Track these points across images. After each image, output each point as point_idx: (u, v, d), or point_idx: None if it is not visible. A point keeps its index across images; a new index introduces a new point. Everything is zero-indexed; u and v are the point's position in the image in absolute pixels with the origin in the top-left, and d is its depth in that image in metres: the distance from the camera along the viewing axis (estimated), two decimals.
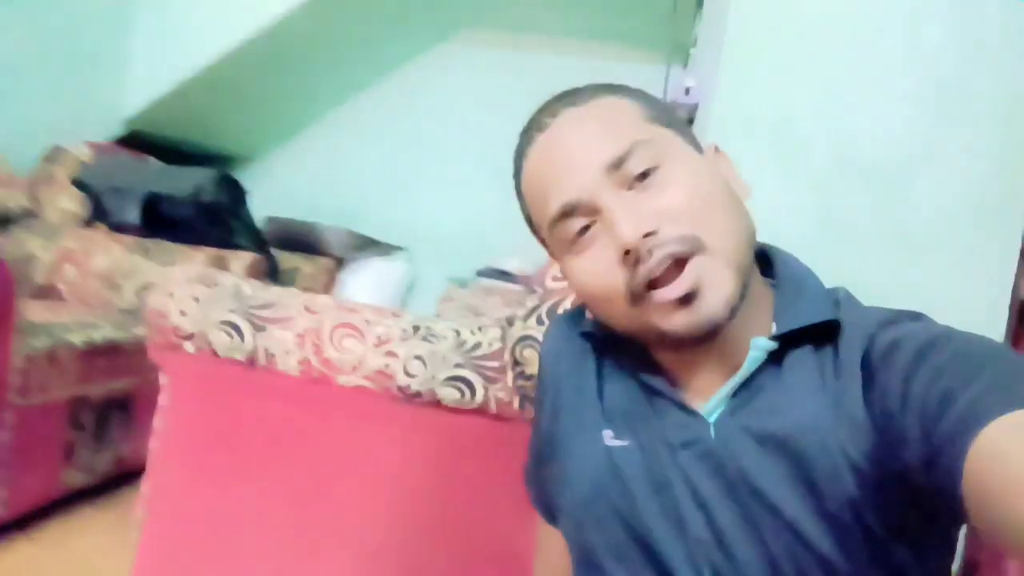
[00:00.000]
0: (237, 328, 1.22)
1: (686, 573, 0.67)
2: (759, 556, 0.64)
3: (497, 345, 1.18)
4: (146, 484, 1.35)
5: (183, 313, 1.24)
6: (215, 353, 1.24)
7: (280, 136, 3.90)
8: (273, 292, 1.27)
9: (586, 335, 0.80)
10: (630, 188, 0.65)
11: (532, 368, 1.14)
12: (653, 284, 0.63)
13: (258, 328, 1.22)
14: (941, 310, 0.68)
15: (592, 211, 0.66)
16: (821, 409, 0.63)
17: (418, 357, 1.18)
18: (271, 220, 3.44)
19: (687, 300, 0.63)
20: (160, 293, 1.26)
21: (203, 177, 2.38)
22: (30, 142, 2.67)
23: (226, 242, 2.50)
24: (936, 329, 0.61)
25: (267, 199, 3.53)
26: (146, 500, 1.35)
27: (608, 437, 0.73)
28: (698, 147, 0.72)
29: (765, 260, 0.75)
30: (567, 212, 0.67)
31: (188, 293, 1.25)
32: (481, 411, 1.18)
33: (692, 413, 0.69)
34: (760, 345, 0.66)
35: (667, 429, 0.70)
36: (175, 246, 2.16)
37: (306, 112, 3.80)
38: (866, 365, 0.62)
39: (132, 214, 2.17)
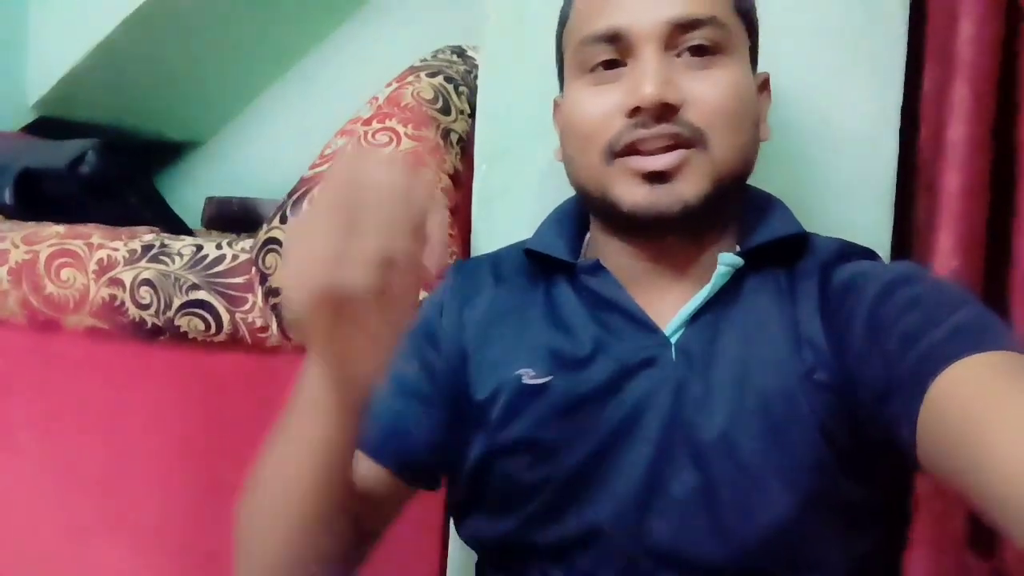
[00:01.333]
0: None
1: (612, 510, 0.62)
2: (700, 490, 0.60)
3: (244, 257, 0.94)
4: None
5: None
6: None
7: (220, 117, 3.69)
8: None
9: (532, 254, 0.72)
10: (679, 55, 0.62)
11: (278, 279, 0.90)
12: (637, 152, 0.61)
13: None
14: None
15: (629, 51, 0.62)
16: (779, 336, 0.62)
17: (147, 282, 0.94)
18: (208, 200, 3.24)
19: (658, 178, 0.61)
20: None
21: (81, 148, 2.15)
22: None
23: (124, 219, 2.25)
24: (902, 268, 0.61)
25: (213, 183, 3.33)
26: None
27: (527, 376, 0.66)
28: (755, 63, 0.69)
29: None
30: (607, 37, 0.63)
31: None
32: (235, 343, 0.94)
33: (653, 330, 0.64)
34: (728, 260, 0.64)
35: (622, 347, 0.64)
36: (55, 227, 1.95)
37: (243, 89, 3.57)
38: (824, 292, 0.62)
39: (5, 194, 1.96)
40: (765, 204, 0.70)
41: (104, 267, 0.96)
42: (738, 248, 0.67)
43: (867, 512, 0.63)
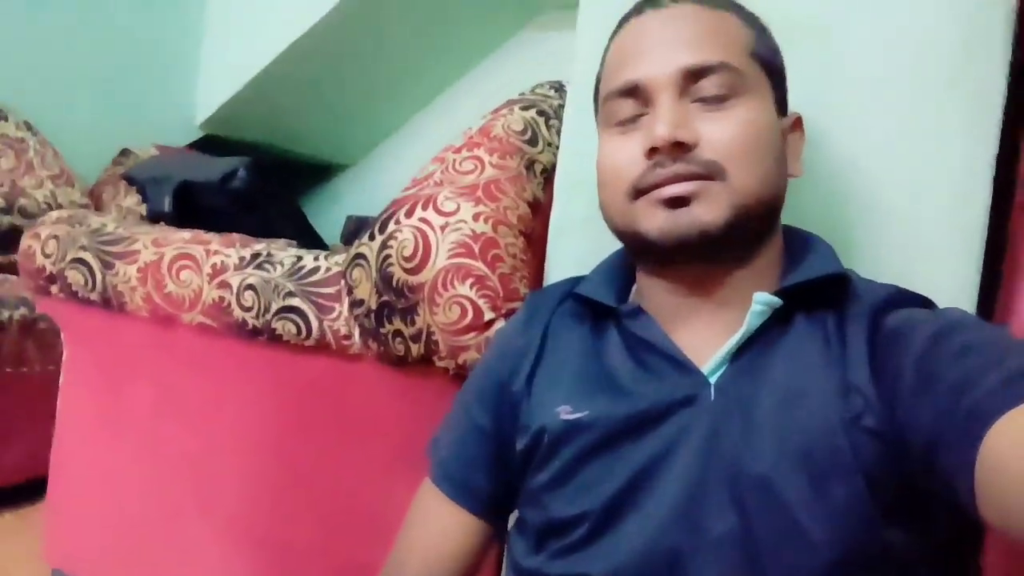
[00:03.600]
0: (88, 265, 1.14)
1: (643, 544, 0.63)
2: (737, 531, 0.60)
3: (336, 269, 1.01)
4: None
5: (45, 254, 1.18)
6: (75, 294, 1.16)
7: (368, 143, 3.92)
8: (131, 227, 1.17)
9: (579, 298, 0.76)
10: (694, 101, 0.65)
11: (362, 292, 0.96)
12: (657, 184, 0.64)
13: (106, 265, 1.13)
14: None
15: (648, 101, 0.66)
16: (825, 377, 0.61)
17: (251, 287, 1.03)
18: (348, 218, 3.44)
19: (675, 203, 0.63)
20: (28, 235, 1.21)
21: (233, 165, 2.36)
22: (105, 147, 2.80)
23: (267, 231, 2.46)
24: (953, 315, 0.61)
25: (357, 203, 3.53)
26: (54, 443, 1.30)
27: (564, 412, 0.69)
28: (783, 106, 0.71)
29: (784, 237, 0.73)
30: (627, 91, 0.67)
31: (51, 232, 1.19)
32: (322, 348, 1.02)
33: (691, 371, 0.65)
34: (762, 299, 0.64)
35: (661, 386, 0.66)
36: (181, 232, 2.15)
37: (390, 118, 3.79)
38: (875, 340, 0.61)
39: (165, 203, 2.18)
40: (807, 245, 0.70)
41: (217, 271, 1.06)
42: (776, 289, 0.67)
43: (919, 564, 0.60)
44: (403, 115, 3.79)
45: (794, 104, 0.73)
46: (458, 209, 0.92)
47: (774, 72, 0.70)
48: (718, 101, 0.64)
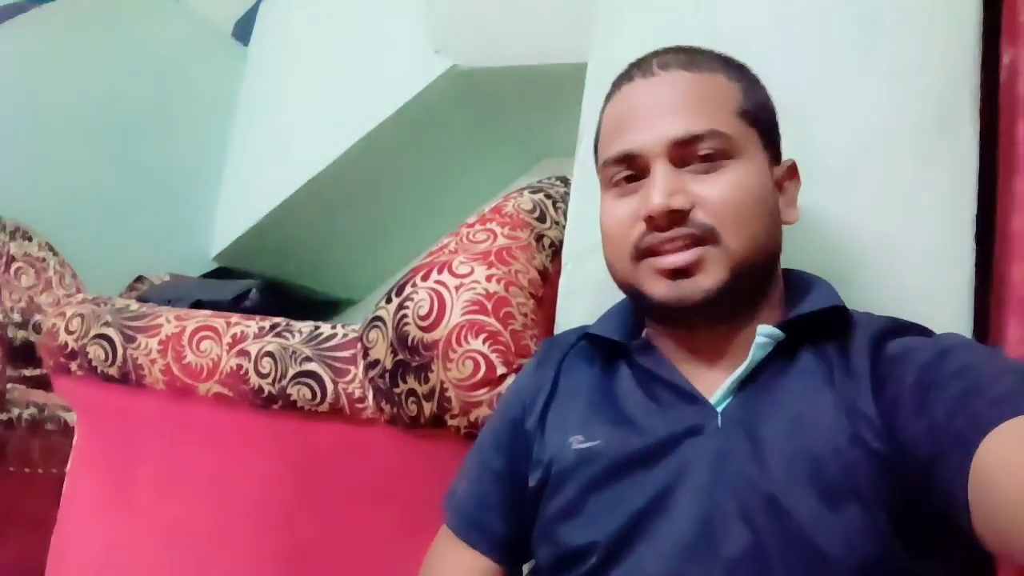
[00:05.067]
0: (110, 340, 1.17)
1: (657, 573, 0.63)
2: (751, 551, 0.61)
3: (353, 335, 1.05)
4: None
5: (69, 331, 1.22)
6: (94, 370, 1.19)
7: (377, 278, 4.01)
8: (154, 308, 1.22)
9: (591, 337, 0.80)
10: (687, 164, 0.68)
11: (377, 352, 0.99)
12: (658, 252, 0.68)
13: (128, 339, 1.17)
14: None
15: (644, 169, 0.69)
16: (830, 406, 0.63)
17: (269, 354, 1.07)
18: None
19: (679, 274, 0.67)
20: (54, 313, 1.25)
21: (246, 286, 2.44)
22: (121, 273, 2.89)
23: None
24: (952, 340, 0.64)
25: None
26: (57, 528, 1.28)
27: (576, 442, 0.71)
28: (776, 154, 0.75)
29: (786, 278, 0.77)
30: (622, 160, 0.71)
31: (76, 311, 1.23)
32: (335, 413, 1.04)
33: (699, 402, 0.68)
34: (765, 332, 0.67)
35: (669, 417, 0.68)
36: (204, 311, 2.19)
37: (400, 254, 3.89)
38: (876, 366, 0.63)
39: None
40: (808, 284, 0.74)
41: (236, 340, 1.10)
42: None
43: None
44: (412, 251, 3.89)
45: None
46: (472, 272, 0.97)
47: (764, 125, 0.73)
48: (709, 164, 0.68)
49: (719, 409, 0.67)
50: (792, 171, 0.76)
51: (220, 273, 3.35)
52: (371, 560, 1.03)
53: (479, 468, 0.80)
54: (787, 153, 0.77)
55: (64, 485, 1.30)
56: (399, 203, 3.53)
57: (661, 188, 0.67)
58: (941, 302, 0.81)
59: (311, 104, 3.23)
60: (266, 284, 2.49)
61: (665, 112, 0.69)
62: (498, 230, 1.04)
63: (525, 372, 0.83)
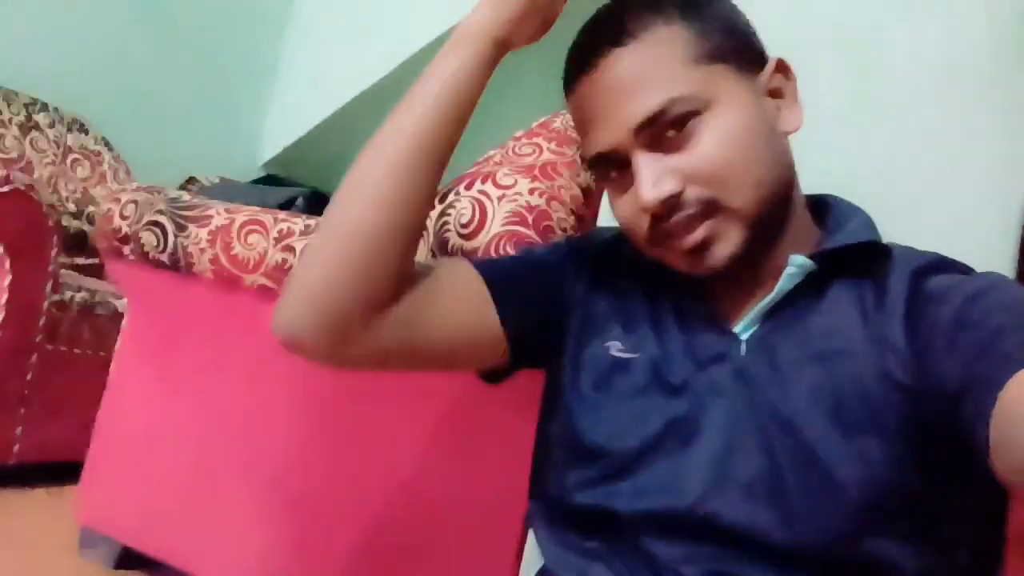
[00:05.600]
0: (162, 227, 1.21)
1: (672, 489, 0.65)
2: (766, 474, 0.62)
3: None
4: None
5: (123, 216, 1.26)
6: (146, 255, 1.24)
7: None
8: (205, 200, 1.25)
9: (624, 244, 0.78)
10: (663, 139, 0.65)
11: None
12: (671, 236, 0.67)
13: (180, 227, 1.20)
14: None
15: (624, 160, 0.67)
16: (859, 337, 0.63)
17: None
18: None
19: (695, 250, 0.66)
20: (109, 198, 1.29)
21: (293, 193, 2.48)
22: (173, 173, 2.94)
23: None
24: (991, 278, 0.62)
25: None
26: (102, 406, 1.35)
27: (615, 348, 0.73)
28: (758, 63, 0.70)
29: (823, 208, 0.75)
30: (600, 161, 0.70)
31: (131, 198, 1.27)
32: None
33: (723, 330, 0.69)
34: (796, 262, 0.67)
35: (697, 347, 0.69)
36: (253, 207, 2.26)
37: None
38: (912, 301, 0.62)
39: None
40: (847, 215, 0.73)
41: (283, 235, 1.13)
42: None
43: (947, 525, 0.62)
44: (455, 168, 3.92)
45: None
46: (515, 184, 0.98)
47: (731, 50, 0.68)
48: (683, 130, 0.65)
49: (743, 337, 0.68)
50: (781, 68, 0.71)
51: (268, 180, 3.40)
52: (401, 453, 1.07)
53: (514, 262, 0.82)
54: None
55: (112, 365, 1.36)
56: None
57: (646, 181, 0.65)
58: (988, 237, 0.81)
59: (365, 19, 3.23)
60: (312, 193, 2.53)
61: (618, 102, 0.66)
62: (544, 145, 1.05)
63: (566, 250, 0.82)
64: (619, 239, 0.80)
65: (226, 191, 2.77)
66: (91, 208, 2.44)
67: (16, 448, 1.72)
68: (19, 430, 1.71)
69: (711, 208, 0.65)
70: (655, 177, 0.65)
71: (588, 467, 0.70)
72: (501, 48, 0.71)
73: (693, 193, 0.65)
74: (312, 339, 0.69)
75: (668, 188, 0.64)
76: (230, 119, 3.29)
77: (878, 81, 0.88)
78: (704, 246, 0.65)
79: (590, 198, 1.05)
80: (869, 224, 0.72)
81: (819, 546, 0.60)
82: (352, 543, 1.09)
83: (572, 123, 1.08)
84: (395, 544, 1.07)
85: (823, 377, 0.63)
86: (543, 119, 1.12)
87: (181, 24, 3.02)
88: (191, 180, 3.03)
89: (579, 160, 1.06)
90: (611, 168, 0.69)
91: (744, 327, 0.69)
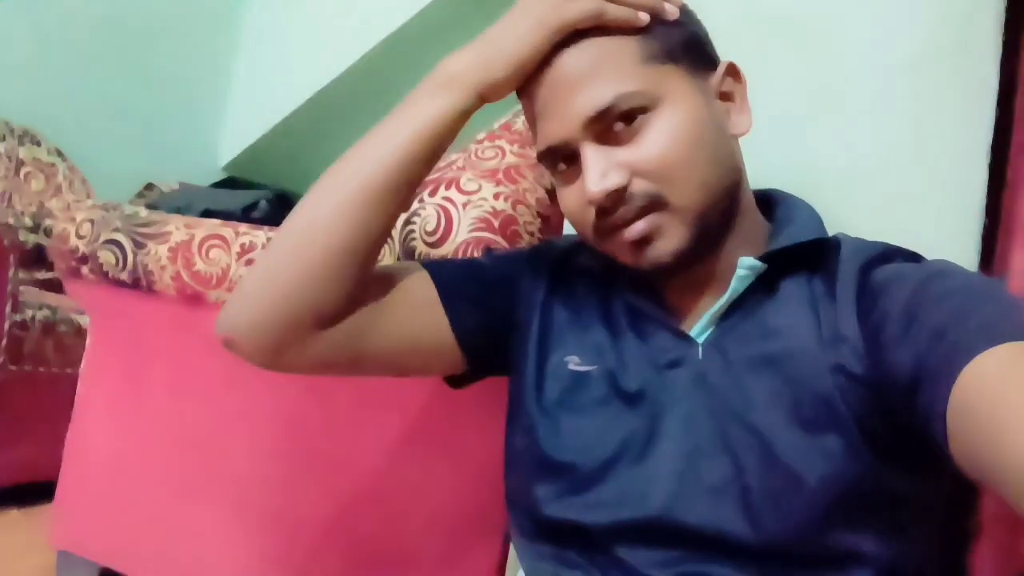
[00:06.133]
0: (120, 245, 1.19)
1: (638, 499, 0.66)
2: (730, 477, 0.63)
3: None
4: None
5: (79, 236, 1.23)
6: (105, 274, 1.21)
7: None
8: (163, 215, 1.23)
9: (581, 253, 0.80)
10: (611, 133, 0.65)
11: None
12: (615, 228, 0.67)
13: (138, 245, 1.18)
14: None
15: (573, 153, 0.67)
16: (811, 334, 0.64)
17: None
18: None
19: (640, 243, 0.66)
20: (64, 218, 1.26)
21: (255, 196, 2.44)
22: (131, 180, 2.89)
23: None
24: (939, 265, 0.63)
25: None
26: (71, 428, 1.32)
27: (573, 363, 0.73)
28: (709, 65, 0.71)
29: (769, 203, 0.76)
30: (551, 152, 0.69)
31: (86, 216, 1.24)
32: None
33: (680, 334, 0.70)
34: (746, 264, 0.67)
35: (653, 351, 0.70)
36: (213, 220, 2.21)
37: None
38: (862, 293, 0.63)
39: None
40: (793, 212, 0.73)
41: (245, 249, 1.11)
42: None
43: (915, 513, 0.63)
44: None
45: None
46: (479, 189, 0.98)
47: (682, 51, 0.68)
48: (632, 125, 0.65)
49: (700, 341, 0.69)
50: (731, 72, 0.72)
51: (229, 183, 3.35)
52: (369, 462, 1.06)
53: (472, 268, 0.81)
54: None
55: (78, 385, 1.33)
56: None
57: (592, 173, 0.65)
58: (950, 229, 0.81)
59: (319, 17, 3.18)
60: (275, 195, 2.49)
61: (569, 95, 0.66)
62: (507, 147, 1.04)
63: (526, 257, 0.82)
64: (577, 246, 0.81)
65: (187, 196, 2.72)
66: (48, 221, 2.38)
67: None
68: None
69: (655, 203, 0.65)
70: (602, 169, 0.65)
71: (554, 481, 0.70)
72: (481, 101, 0.70)
73: (639, 187, 0.65)
74: (253, 344, 0.69)
75: (614, 181, 0.64)
76: (187, 122, 3.23)
77: (835, 72, 0.88)
78: (647, 240, 0.66)
79: (555, 199, 1.04)
80: (815, 219, 0.73)
81: (787, 543, 0.61)
82: (330, 557, 1.09)
83: None
84: (374, 557, 1.06)
85: (779, 378, 0.64)
86: (504, 119, 1.12)
87: (132, 30, 2.96)
88: (149, 187, 2.98)
89: None
90: (560, 161, 0.69)
91: (699, 330, 0.69)
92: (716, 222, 0.68)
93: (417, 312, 0.74)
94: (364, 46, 2.99)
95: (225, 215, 2.46)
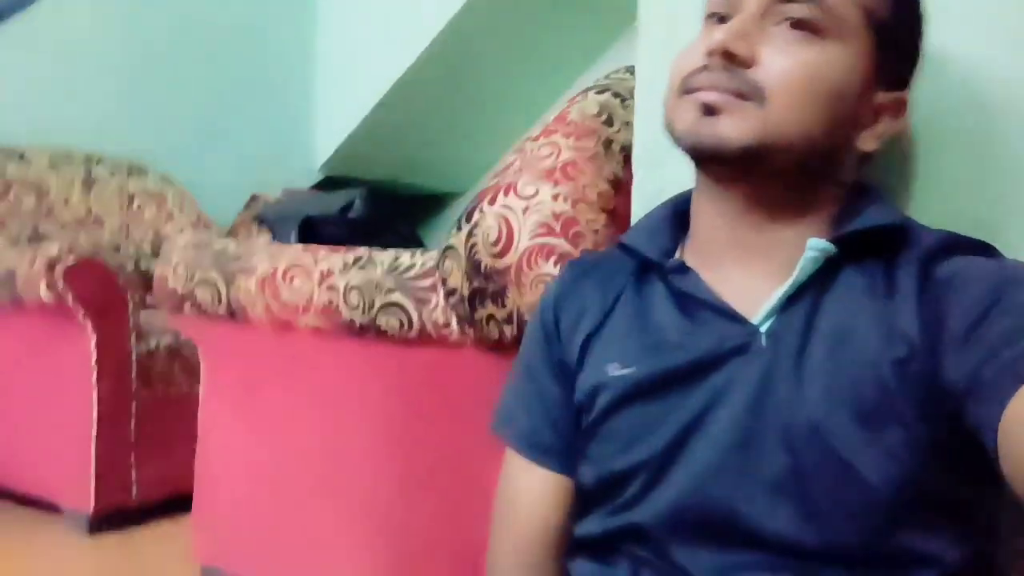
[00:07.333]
0: (214, 284, 1.25)
1: (694, 492, 0.64)
2: (790, 474, 0.60)
3: (431, 264, 1.07)
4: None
5: (175, 276, 1.30)
6: (205, 311, 1.27)
7: (479, 169, 4.01)
8: (250, 245, 1.28)
9: (626, 249, 0.76)
10: (778, 23, 0.63)
11: (454, 281, 1.01)
12: (700, 85, 0.64)
13: (228, 280, 1.23)
14: None
15: (736, 10, 0.65)
16: (873, 327, 0.61)
17: (355, 287, 1.10)
18: None
19: (707, 111, 0.63)
20: (163, 260, 1.33)
21: (350, 196, 2.52)
22: (236, 196, 3.02)
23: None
24: (1014, 271, 0.59)
25: None
26: (198, 449, 1.42)
27: (613, 369, 0.69)
28: (891, 80, 0.67)
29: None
30: (716, 14, 0.67)
31: (179, 259, 1.31)
32: (424, 340, 1.07)
33: (741, 320, 0.65)
34: (817, 246, 0.63)
35: (714, 339, 0.65)
36: (295, 246, 2.30)
37: (497, 141, 3.86)
38: (924, 285, 0.61)
39: (291, 237, 2.35)
40: (865, 195, 0.69)
41: (324, 275, 1.14)
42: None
43: (975, 514, 0.61)
44: (512, 138, 3.87)
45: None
46: (537, 192, 0.96)
47: (886, 39, 0.66)
48: (799, 33, 0.62)
49: (763, 329, 0.64)
50: (898, 106, 0.68)
51: (328, 182, 3.45)
52: (474, 470, 1.08)
53: (531, 388, 0.78)
54: None
55: (199, 409, 1.42)
56: (491, 90, 3.48)
57: (732, 28, 0.63)
58: None
59: (389, 2, 3.19)
60: (370, 190, 2.55)
61: None
62: (562, 142, 1.01)
63: (539, 328, 0.79)
64: (577, 271, 0.79)
65: (288, 204, 2.83)
66: (166, 246, 2.54)
67: (134, 490, 1.84)
68: (133, 473, 1.82)
69: (754, 94, 0.62)
70: (745, 33, 0.62)
71: (615, 494, 0.68)
72: None
73: (755, 75, 0.62)
74: None
75: (741, 48, 0.62)
76: (279, 131, 3.33)
77: None
78: (715, 111, 0.62)
79: (620, 188, 1.01)
80: (889, 205, 0.69)
81: (851, 545, 0.59)
82: (451, 565, 1.12)
83: (589, 111, 1.05)
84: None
85: (842, 371, 0.61)
86: (557, 111, 1.08)
87: (211, 51, 3.06)
88: (254, 199, 3.11)
89: (603, 149, 1.02)
90: (714, 7, 0.67)
91: (763, 317, 0.65)
92: (777, 167, 0.64)
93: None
94: (437, 25, 2.98)
95: (326, 219, 2.55)
